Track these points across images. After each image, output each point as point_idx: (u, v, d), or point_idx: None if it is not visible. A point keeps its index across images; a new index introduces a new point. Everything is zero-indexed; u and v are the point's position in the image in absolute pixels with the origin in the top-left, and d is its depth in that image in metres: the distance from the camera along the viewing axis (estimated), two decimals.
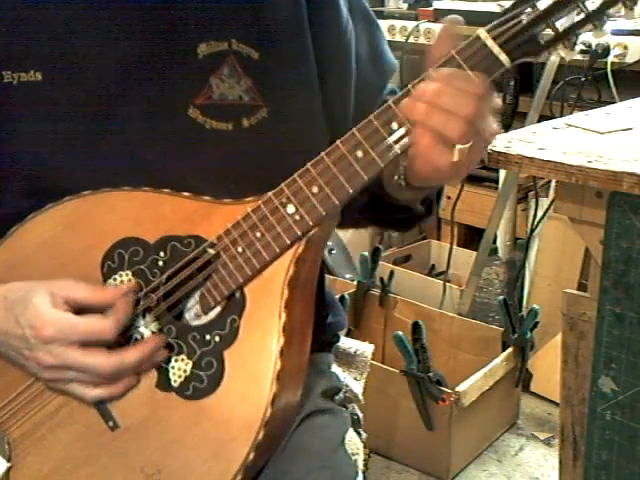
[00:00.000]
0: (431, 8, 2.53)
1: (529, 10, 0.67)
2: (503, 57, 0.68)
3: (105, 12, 0.81)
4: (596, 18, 0.66)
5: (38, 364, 0.75)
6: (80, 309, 0.76)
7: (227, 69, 0.83)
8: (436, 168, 0.71)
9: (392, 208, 0.86)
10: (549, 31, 0.68)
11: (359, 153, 0.72)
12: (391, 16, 2.64)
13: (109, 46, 0.81)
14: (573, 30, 0.67)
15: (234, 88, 0.83)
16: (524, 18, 0.67)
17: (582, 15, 0.66)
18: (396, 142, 0.71)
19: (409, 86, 0.70)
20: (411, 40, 2.47)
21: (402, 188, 0.78)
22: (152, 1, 0.82)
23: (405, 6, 2.81)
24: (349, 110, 0.88)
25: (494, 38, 0.68)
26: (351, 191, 0.73)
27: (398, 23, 2.54)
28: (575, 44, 0.68)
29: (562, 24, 0.67)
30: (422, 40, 2.45)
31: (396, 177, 0.77)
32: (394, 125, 0.71)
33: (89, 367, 0.74)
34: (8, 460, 0.80)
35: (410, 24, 2.51)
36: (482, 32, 0.68)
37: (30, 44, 0.80)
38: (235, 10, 0.84)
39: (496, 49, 0.68)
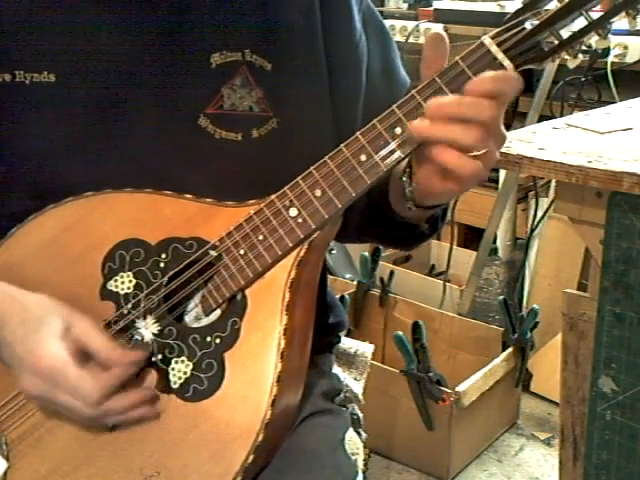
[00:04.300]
0: (431, 8, 2.54)
1: (533, 18, 0.67)
2: (507, 63, 0.68)
3: (120, 17, 0.81)
4: (600, 26, 0.66)
5: (23, 389, 0.75)
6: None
7: (239, 79, 0.83)
8: (463, 180, 0.71)
9: (397, 225, 0.86)
10: (553, 38, 0.68)
11: (362, 157, 0.72)
12: (391, 16, 2.64)
13: (122, 50, 0.81)
14: (576, 38, 0.67)
15: (245, 98, 0.83)
16: (528, 25, 0.68)
17: (586, 23, 0.66)
18: (399, 146, 0.71)
19: (412, 92, 0.70)
20: (411, 40, 2.47)
21: (411, 209, 0.78)
22: (168, 8, 0.82)
23: (405, 6, 2.82)
24: (357, 123, 0.88)
25: (498, 44, 0.68)
26: (354, 195, 0.73)
27: (398, 23, 2.54)
28: (579, 51, 0.68)
29: (566, 32, 0.67)
30: (422, 40, 2.45)
31: (408, 205, 0.77)
32: (397, 130, 0.71)
33: (72, 409, 0.74)
34: (6, 460, 0.80)
35: (410, 24, 2.51)
36: (486, 38, 0.68)
37: (45, 45, 0.81)
38: (249, 21, 0.84)
39: (500, 55, 0.68)
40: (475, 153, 0.69)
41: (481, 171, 0.70)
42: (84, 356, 0.74)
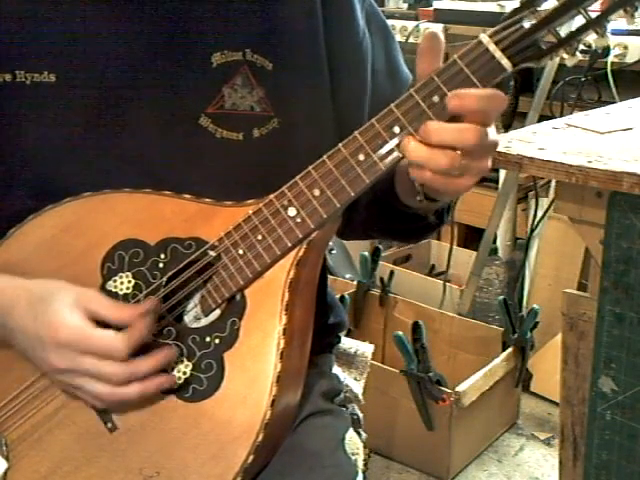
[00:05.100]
0: (431, 8, 2.54)
1: (531, 16, 0.67)
2: (505, 62, 0.68)
3: (121, 16, 0.81)
4: (598, 25, 0.66)
5: (49, 366, 0.75)
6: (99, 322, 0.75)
7: (240, 79, 0.83)
8: (456, 190, 0.72)
9: (405, 217, 0.86)
10: (551, 37, 0.68)
11: (361, 156, 0.72)
12: (391, 16, 2.64)
13: (123, 50, 0.81)
14: (575, 36, 0.67)
15: (246, 98, 0.83)
16: (526, 24, 0.68)
17: (584, 21, 0.66)
18: (398, 145, 0.71)
19: (411, 91, 0.70)
20: (411, 40, 2.47)
21: (422, 201, 0.78)
22: (169, 8, 0.82)
23: (405, 6, 2.82)
24: (364, 122, 0.88)
25: (496, 43, 0.68)
26: (353, 194, 0.73)
27: (398, 23, 2.54)
28: (577, 49, 0.68)
29: (564, 30, 0.67)
30: (421, 38, 2.45)
31: (418, 198, 0.77)
32: (396, 129, 0.71)
33: (102, 374, 0.73)
34: (6, 460, 0.80)
35: (410, 24, 2.51)
36: (484, 37, 0.68)
37: (45, 45, 0.81)
38: (251, 21, 0.84)
39: (498, 54, 0.68)
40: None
41: (488, 163, 0.71)
42: (99, 324, 0.74)
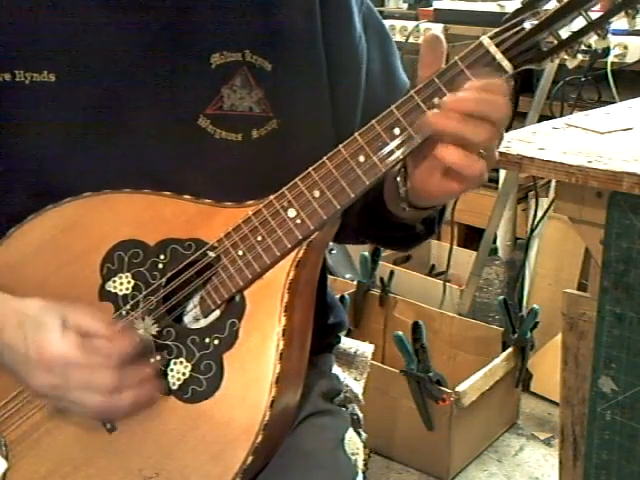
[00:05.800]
0: (431, 8, 2.54)
1: (532, 17, 0.67)
2: (506, 64, 0.68)
3: (120, 16, 0.81)
4: (599, 27, 0.66)
5: (37, 387, 0.75)
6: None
7: (239, 80, 0.83)
8: (446, 193, 0.72)
9: (393, 226, 0.86)
10: (552, 39, 0.68)
11: (361, 158, 0.72)
12: (391, 16, 2.64)
13: (123, 50, 0.81)
14: (576, 38, 0.67)
15: (245, 99, 0.83)
16: (527, 26, 0.68)
17: (585, 23, 0.66)
18: (398, 147, 0.71)
19: (411, 92, 0.70)
20: (411, 40, 2.47)
21: (405, 209, 0.78)
22: (168, 8, 0.82)
23: (405, 6, 2.82)
24: (356, 124, 0.88)
25: (497, 45, 0.68)
26: (352, 195, 0.73)
27: (398, 23, 2.54)
28: (578, 51, 0.68)
29: (565, 32, 0.67)
30: (422, 40, 2.45)
31: (402, 205, 0.77)
32: (396, 130, 0.71)
33: (93, 384, 0.73)
34: (6, 460, 0.80)
35: (410, 24, 2.51)
36: (485, 39, 0.68)
37: (45, 45, 0.81)
38: (250, 21, 0.84)
39: (499, 56, 0.68)
40: (481, 152, 0.69)
41: (485, 171, 0.70)
42: (88, 343, 0.74)
